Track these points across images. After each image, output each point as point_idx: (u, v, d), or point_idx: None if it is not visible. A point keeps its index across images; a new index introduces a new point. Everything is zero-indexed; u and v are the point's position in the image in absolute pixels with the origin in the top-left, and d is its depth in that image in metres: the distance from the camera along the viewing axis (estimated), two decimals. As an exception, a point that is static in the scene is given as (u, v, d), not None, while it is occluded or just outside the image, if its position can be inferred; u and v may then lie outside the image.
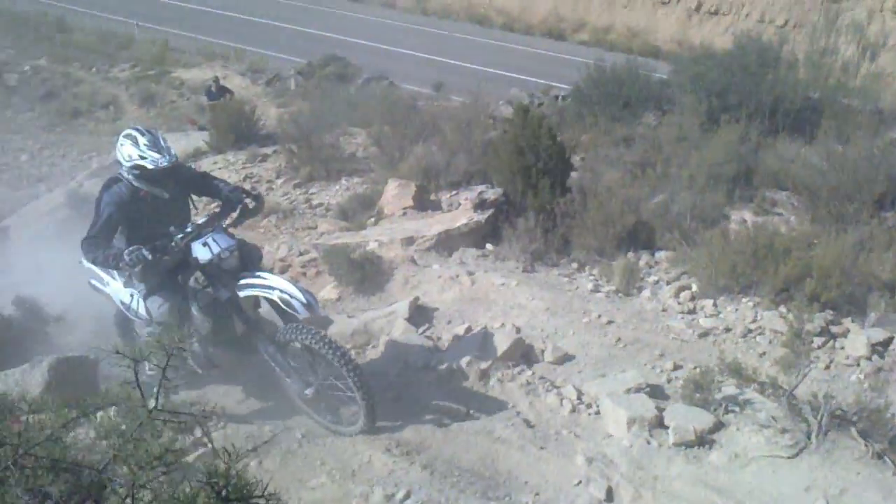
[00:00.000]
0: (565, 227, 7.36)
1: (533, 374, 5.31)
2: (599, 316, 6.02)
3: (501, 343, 5.43)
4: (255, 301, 4.71)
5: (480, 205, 7.95)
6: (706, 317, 6.01)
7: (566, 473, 4.32)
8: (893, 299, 5.89)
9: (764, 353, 5.47)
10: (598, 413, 4.86)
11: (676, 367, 5.32)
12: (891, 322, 5.62)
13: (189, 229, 4.45)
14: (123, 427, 1.52)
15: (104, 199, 4.39)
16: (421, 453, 4.44)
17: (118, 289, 4.89)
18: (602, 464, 4.38)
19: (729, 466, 4.30)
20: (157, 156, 4.31)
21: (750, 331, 5.75)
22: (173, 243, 4.37)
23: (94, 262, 4.52)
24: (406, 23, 26.60)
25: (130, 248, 4.15)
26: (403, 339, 5.70)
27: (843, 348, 5.45)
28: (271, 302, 4.47)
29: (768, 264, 6.04)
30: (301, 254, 7.31)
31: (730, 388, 4.84)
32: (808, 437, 4.33)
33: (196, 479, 1.44)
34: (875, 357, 5.31)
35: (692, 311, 6.14)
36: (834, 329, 5.63)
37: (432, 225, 7.80)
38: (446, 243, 7.46)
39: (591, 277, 6.90)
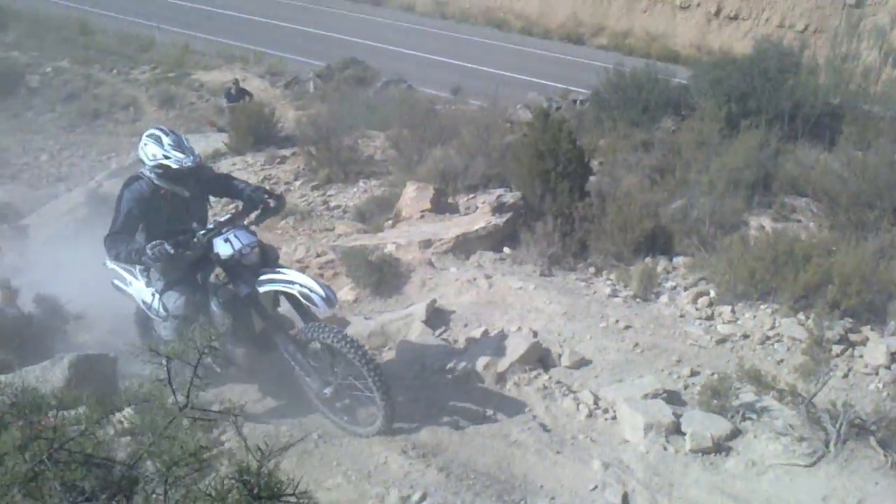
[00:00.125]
0: (583, 232, 7.36)
1: (549, 378, 5.31)
2: (617, 321, 6.01)
3: (518, 346, 5.43)
4: (275, 299, 4.74)
5: (499, 208, 7.98)
6: (724, 323, 6.00)
7: (582, 478, 4.33)
8: (914, 308, 5.84)
9: (782, 361, 5.44)
10: (614, 418, 4.86)
11: (694, 374, 5.31)
12: (911, 331, 5.57)
13: (211, 226, 4.51)
14: (155, 423, 1.56)
15: (125, 196, 4.44)
16: (437, 455, 4.46)
17: (140, 288, 4.95)
18: (618, 469, 4.37)
19: (746, 474, 4.29)
20: (181, 156, 4.37)
21: (768, 338, 5.72)
22: (196, 239, 4.42)
23: (116, 258, 4.57)
24: (424, 26, 26.67)
25: (153, 243, 4.19)
26: (420, 341, 5.72)
27: (861, 357, 5.41)
28: (290, 297, 4.51)
29: (787, 271, 6.01)
30: (318, 255, 7.37)
31: (747, 395, 4.82)
32: (827, 446, 4.30)
33: (228, 477, 1.47)
34: (894, 366, 5.26)
35: (710, 318, 6.12)
36: (853, 337, 5.59)
37: (450, 228, 7.82)
38: (464, 246, 7.47)
39: (609, 282, 6.89)
